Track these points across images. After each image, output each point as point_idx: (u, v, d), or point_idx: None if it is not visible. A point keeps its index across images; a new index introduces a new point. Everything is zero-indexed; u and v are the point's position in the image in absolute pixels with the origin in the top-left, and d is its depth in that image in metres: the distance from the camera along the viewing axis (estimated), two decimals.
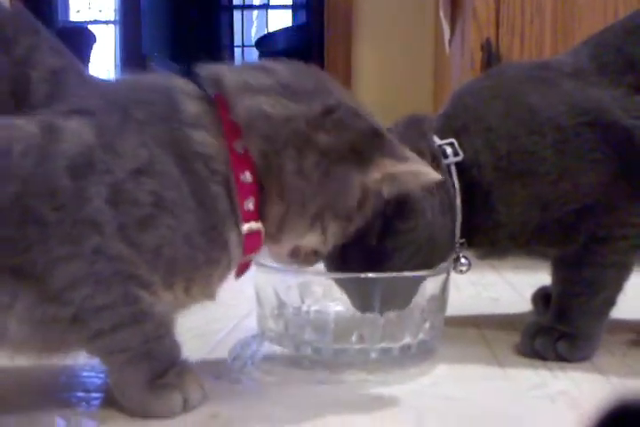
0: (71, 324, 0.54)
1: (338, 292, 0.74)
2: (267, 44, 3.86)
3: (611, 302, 0.75)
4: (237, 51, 4.65)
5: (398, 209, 0.71)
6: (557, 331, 0.74)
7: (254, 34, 4.83)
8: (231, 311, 0.91)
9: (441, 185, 0.73)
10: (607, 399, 0.39)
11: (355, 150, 0.61)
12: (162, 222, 0.55)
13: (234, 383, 0.67)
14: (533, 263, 0.84)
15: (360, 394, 0.64)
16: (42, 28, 0.90)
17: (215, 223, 0.58)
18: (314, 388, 0.66)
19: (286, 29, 4.04)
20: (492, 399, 0.63)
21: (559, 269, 0.78)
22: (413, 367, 0.72)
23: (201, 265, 0.58)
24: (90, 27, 3.72)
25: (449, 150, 0.76)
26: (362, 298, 0.73)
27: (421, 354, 0.74)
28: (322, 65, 0.68)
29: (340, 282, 0.74)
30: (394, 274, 0.71)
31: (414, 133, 0.77)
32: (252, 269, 0.68)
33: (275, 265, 0.71)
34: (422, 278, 0.73)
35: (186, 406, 0.58)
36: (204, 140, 0.58)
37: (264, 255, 0.67)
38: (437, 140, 0.77)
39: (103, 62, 4.08)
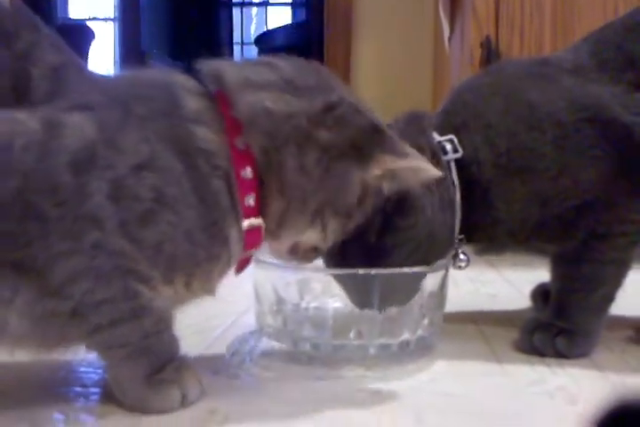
0: (71, 318, 0.54)
1: (337, 288, 0.74)
2: (266, 42, 3.86)
3: (610, 299, 0.75)
4: (236, 48, 4.65)
5: (398, 206, 0.71)
6: (556, 327, 0.74)
7: (253, 31, 4.82)
8: (230, 308, 0.91)
9: (440, 182, 0.73)
10: (607, 399, 0.39)
11: (355, 147, 0.61)
12: (162, 218, 0.55)
13: (232, 379, 0.67)
14: (532, 260, 0.84)
15: (358, 390, 0.64)
16: (42, 25, 0.90)
17: (216, 219, 0.58)
18: (312, 384, 0.66)
19: (285, 27, 4.03)
20: (491, 395, 0.63)
21: (558, 265, 0.78)
22: (412, 363, 0.72)
23: (201, 261, 0.58)
24: (89, 24, 3.71)
25: (448, 147, 0.76)
26: (360, 294, 0.73)
27: (420, 350, 0.74)
28: (321, 62, 0.67)
29: (338, 278, 0.74)
30: (393, 270, 0.71)
31: (414, 130, 0.77)
32: (251, 265, 0.68)
33: (274, 261, 0.71)
34: (422, 275, 0.73)
35: (184, 402, 0.58)
36: (206, 136, 0.58)
37: (263, 252, 0.67)
38: (437, 137, 0.77)
39: (102, 59, 4.08)
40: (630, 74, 0.74)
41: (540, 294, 0.91)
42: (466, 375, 0.69)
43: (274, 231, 0.62)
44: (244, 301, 0.89)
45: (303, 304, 0.75)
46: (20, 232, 0.52)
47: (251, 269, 0.69)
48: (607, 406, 0.39)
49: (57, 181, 0.53)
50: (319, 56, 2.53)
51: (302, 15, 4.18)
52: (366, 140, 0.61)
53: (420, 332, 0.73)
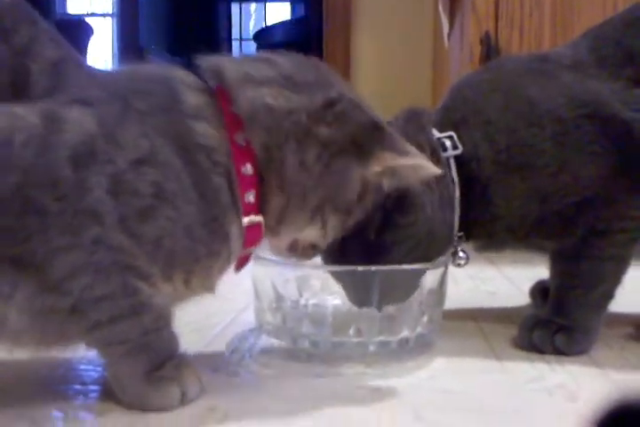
0: (70, 314, 0.54)
1: (336, 285, 0.74)
2: (265, 38, 3.86)
3: (609, 296, 0.75)
4: (235, 44, 4.65)
5: (398, 203, 0.71)
6: (555, 324, 0.74)
7: (252, 27, 4.82)
8: (229, 305, 0.91)
9: (440, 179, 0.73)
10: (607, 399, 0.39)
11: (355, 143, 0.61)
12: (162, 214, 0.55)
13: (231, 376, 0.67)
14: (531, 257, 0.84)
15: (358, 387, 0.64)
16: (40, 20, 0.90)
17: (216, 215, 0.58)
18: (311, 381, 0.66)
19: (284, 22, 4.03)
20: (490, 393, 0.63)
21: (557, 262, 0.78)
22: (411, 361, 0.72)
23: (201, 257, 0.58)
24: (87, 19, 3.70)
25: (448, 144, 0.76)
26: (359, 292, 0.73)
27: (419, 347, 0.74)
28: (320, 58, 0.67)
29: (337, 276, 0.74)
30: (392, 267, 0.71)
31: (413, 127, 0.76)
32: (250, 262, 0.68)
33: (273, 258, 0.71)
34: (422, 272, 0.73)
35: (183, 399, 0.58)
36: (206, 131, 0.58)
37: (262, 248, 0.67)
38: (436, 134, 0.77)
39: (100, 55, 4.07)
40: (629, 70, 0.74)
41: (540, 291, 0.92)
42: (465, 372, 0.69)
43: (273, 228, 0.62)
44: (243, 298, 0.89)
45: (302, 301, 0.75)
46: (19, 227, 0.52)
47: (250, 265, 0.69)
48: (607, 405, 0.39)
49: (57, 176, 0.53)
50: (318, 52, 2.53)
51: (301, 11, 4.18)
52: (366, 137, 0.61)
53: (419, 329, 0.73)
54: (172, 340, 0.59)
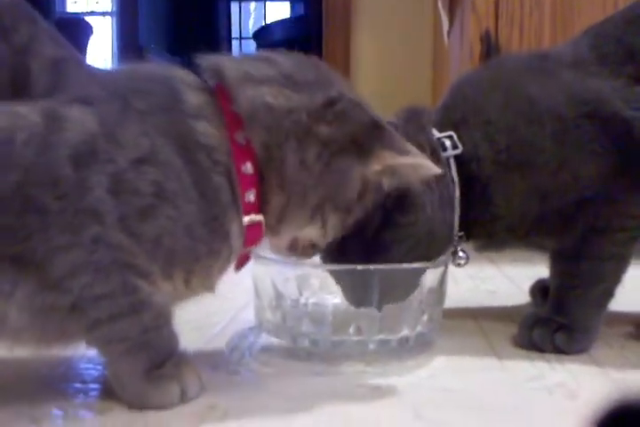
0: (70, 312, 0.54)
1: (335, 284, 0.74)
2: (264, 36, 3.85)
3: (609, 294, 0.75)
4: (235, 43, 4.65)
5: (398, 203, 0.71)
6: (555, 323, 0.74)
7: (252, 26, 4.82)
8: (229, 303, 0.91)
9: (440, 178, 0.72)
10: (607, 399, 0.39)
11: (355, 142, 0.61)
12: (162, 213, 0.55)
13: (231, 375, 0.67)
14: (531, 256, 0.84)
15: (358, 386, 0.64)
16: (40, 19, 0.90)
17: (217, 214, 0.58)
18: (311, 379, 0.66)
19: (284, 21, 4.02)
20: (490, 391, 0.63)
21: (557, 261, 0.78)
22: (411, 359, 0.72)
23: (201, 256, 0.58)
24: (87, 18, 3.70)
25: (448, 143, 0.75)
26: (357, 292, 0.73)
27: (419, 346, 0.74)
28: (320, 57, 0.68)
29: (335, 275, 0.74)
30: (391, 266, 0.71)
31: (413, 127, 0.76)
32: (250, 261, 0.68)
33: (273, 257, 0.71)
34: (421, 271, 0.73)
35: (183, 397, 0.58)
36: (206, 130, 0.58)
37: (262, 247, 0.67)
38: (436, 134, 0.77)
39: (100, 54, 4.07)
40: (630, 67, 0.74)
41: (540, 289, 0.92)
42: (465, 371, 0.69)
43: (274, 227, 0.62)
44: (243, 297, 0.89)
45: (302, 300, 0.75)
46: (19, 226, 0.52)
47: (250, 264, 0.69)
48: (607, 405, 0.39)
49: (58, 175, 0.53)
50: (318, 50, 2.52)
51: (301, 10, 4.17)
52: (366, 136, 0.61)
53: (419, 328, 0.73)
54: (172, 338, 0.59)
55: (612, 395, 0.40)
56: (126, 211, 0.54)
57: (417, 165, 0.64)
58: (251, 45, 4.37)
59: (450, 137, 0.76)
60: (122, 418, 0.55)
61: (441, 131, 0.77)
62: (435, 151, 0.75)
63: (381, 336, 0.71)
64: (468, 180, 0.75)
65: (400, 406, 0.59)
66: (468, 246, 0.81)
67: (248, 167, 0.59)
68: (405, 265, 0.72)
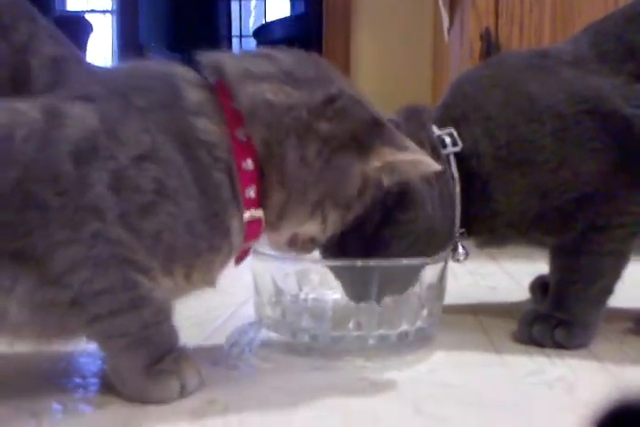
0: (70, 307, 0.54)
1: (335, 280, 0.74)
2: (265, 35, 3.85)
3: (608, 290, 0.75)
4: (235, 41, 4.64)
5: (399, 200, 0.71)
6: (555, 318, 0.74)
7: (252, 24, 4.81)
8: (229, 299, 0.92)
9: (440, 175, 0.73)
10: (608, 398, 0.39)
11: (355, 139, 0.61)
12: (163, 209, 0.55)
13: (231, 370, 0.67)
14: (531, 253, 0.84)
15: (357, 380, 0.64)
16: (39, 16, 0.90)
17: (217, 211, 0.58)
18: (311, 374, 0.66)
19: (284, 19, 4.02)
20: (490, 386, 0.63)
21: (557, 257, 0.78)
22: (411, 354, 0.72)
23: (202, 252, 0.58)
24: (86, 16, 3.70)
25: (448, 140, 0.76)
26: (357, 287, 0.73)
27: (419, 341, 0.74)
28: (320, 55, 0.68)
29: (335, 270, 0.74)
30: (391, 261, 0.71)
31: (414, 124, 0.77)
32: (250, 256, 0.68)
33: (272, 253, 0.71)
34: (420, 266, 0.73)
35: (183, 392, 0.58)
36: (207, 127, 0.58)
37: (261, 243, 0.67)
38: (436, 131, 0.77)
39: (100, 52, 4.07)
40: (630, 65, 0.74)
41: (539, 286, 0.92)
42: (465, 366, 0.69)
43: (274, 223, 0.62)
44: (243, 292, 0.89)
45: (302, 295, 0.76)
46: (19, 222, 0.52)
47: (249, 260, 0.69)
48: (608, 405, 0.39)
49: (58, 171, 0.53)
50: (318, 48, 2.52)
51: (301, 8, 4.17)
52: (366, 133, 0.62)
53: (418, 323, 0.73)
54: (172, 333, 0.59)
55: (613, 395, 0.40)
56: (127, 207, 0.54)
57: (417, 161, 0.64)
58: (251, 43, 4.36)
59: (450, 134, 0.76)
60: (121, 413, 0.55)
61: (441, 128, 0.77)
62: (435, 148, 0.75)
63: (381, 331, 0.71)
64: (468, 176, 0.75)
65: (399, 400, 0.59)
66: (469, 243, 0.81)
67: (248, 164, 0.59)
68: (405, 261, 0.72)
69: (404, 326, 0.72)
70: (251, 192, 0.59)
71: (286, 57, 0.63)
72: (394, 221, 0.72)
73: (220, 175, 0.58)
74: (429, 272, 0.74)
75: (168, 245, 0.56)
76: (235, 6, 4.67)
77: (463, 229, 0.77)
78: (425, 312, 0.73)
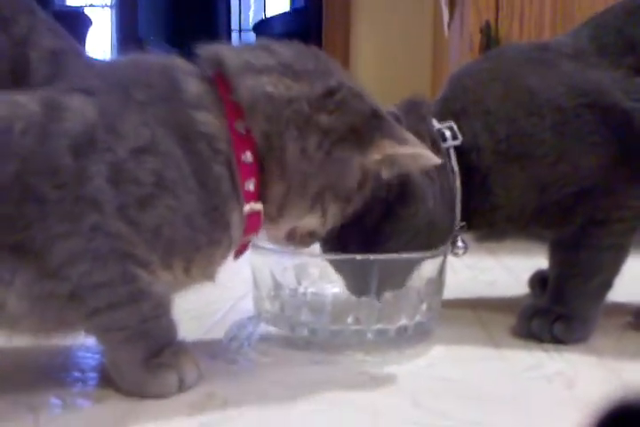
0: (69, 300, 0.54)
1: (334, 273, 0.74)
2: (264, 29, 3.84)
3: (607, 285, 0.75)
4: (235, 35, 4.63)
5: (399, 194, 0.71)
6: (554, 313, 0.74)
7: (252, 18, 4.80)
8: (227, 293, 0.91)
9: (440, 169, 0.72)
10: (608, 399, 0.39)
11: (355, 131, 0.61)
12: (162, 202, 0.55)
13: (230, 364, 0.67)
14: (530, 247, 0.84)
15: (356, 375, 0.64)
16: (39, 10, 0.89)
17: (217, 204, 0.58)
18: (310, 368, 0.66)
19: (284, 14, 4.01)
20: (489, 380, 0.63)
21: (556, 251, 0.78)
22: (410, 348, 0.72)
23: (202, 246, 0.58)
24: (86, 10, 3.69)
25: (448, 134, 0.75)
26: (357, 280, 0.73)
27: (418, 335, 0.74)
28: (320, 49, 0.68)
29: (335, 264, 0.74)
30: (391, 255, 0.71)
31: (413, 118, 0.76)
32: (249, 250, 0.68)
33: (271, 247, 0.71)
34: (419, 260, 0.73)
35: (181, 386, 0.58)
36: (207, 120, 0.58)
37: (260, 237, 0.67)
38: (436, 124, 0.76)
39: (99, 46, 4.06)
40: (630, 58, 0.74)
41: (538, 280, 0.92)
42: (463, 360, 0.69)
43: (274, 216, 0.62)
44: (242, 286, 0.89)
45: (301, 289, 0.75)
46: (18, 215, 0.52)
47: (248, 254, 0.69)
48: (608, 406, 0.39)
49: (57, 164, 0.53)
50: (318, 43, 2.52)
51: (301, 2, 4.15)
52: (366, 125, 0.61)
53: (418, 317, 0.73)
54: (171, 327, 0.59)
55: (613, 395, 0.40)
56: (126, 200, 0.54)
57: (417, 154, 0.64)
58: (250, 37, 4.35)
59: (450, 127, 0.76)
60: (120, 407, 0.55)
61: (441, 121, 0.77)
62: (435, 142, 0.75)
63: (380, 325, 0.71)
64: (468, 170, 0.75)
65: (399, 394, 0.59)
66: (469, 237, 0.81)
67: (248, 156, 0.59)
68: (405, 255, 0.72)
69: (403, 321, 0.72)
70: (250, 185, 0.59)
71: (286, 49, 0.62)
72: (394, 215, 0.72)
73: (219, 168, 0.58)
74: (429, 266, 0.74)
75: (167, 238, 0.56)
76: (234, 0, 4.66)
77: (464, 223, 0.77)
78: (424, 307, 0.73)
